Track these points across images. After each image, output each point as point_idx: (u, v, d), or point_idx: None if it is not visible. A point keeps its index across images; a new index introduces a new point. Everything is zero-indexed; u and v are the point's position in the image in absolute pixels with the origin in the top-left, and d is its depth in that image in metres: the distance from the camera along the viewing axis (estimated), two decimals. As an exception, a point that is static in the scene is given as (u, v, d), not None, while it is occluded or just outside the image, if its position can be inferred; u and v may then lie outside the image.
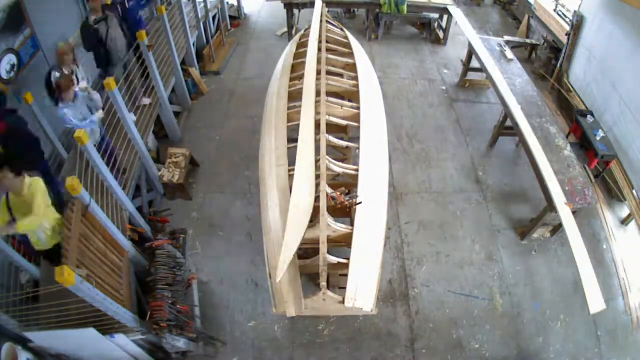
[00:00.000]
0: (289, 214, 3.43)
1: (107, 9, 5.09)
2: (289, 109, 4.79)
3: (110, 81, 4.15)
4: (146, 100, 5.78)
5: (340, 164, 4.14)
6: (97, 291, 2.97)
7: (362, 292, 3.24)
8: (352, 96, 5.20)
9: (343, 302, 3.23)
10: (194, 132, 6.76)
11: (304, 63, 5.41)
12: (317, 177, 3.80)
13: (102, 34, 5.02)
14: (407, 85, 7.83)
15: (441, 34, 9.23)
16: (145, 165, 5.28)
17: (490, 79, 6.46)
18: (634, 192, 5.29)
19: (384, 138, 4.68)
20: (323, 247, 3.30)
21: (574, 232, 4.14)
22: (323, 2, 7.10)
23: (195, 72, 7.52)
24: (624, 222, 5.48)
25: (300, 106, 4.68)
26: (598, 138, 5.63)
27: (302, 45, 6.07)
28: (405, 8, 8.63)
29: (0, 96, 4.15)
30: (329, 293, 3.25)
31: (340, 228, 3.60)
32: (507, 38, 8.07)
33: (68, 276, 2.64)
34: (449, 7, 8.37)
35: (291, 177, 3.97)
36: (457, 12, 8.06)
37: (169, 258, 4.14)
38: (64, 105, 4.12)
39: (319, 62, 5.32)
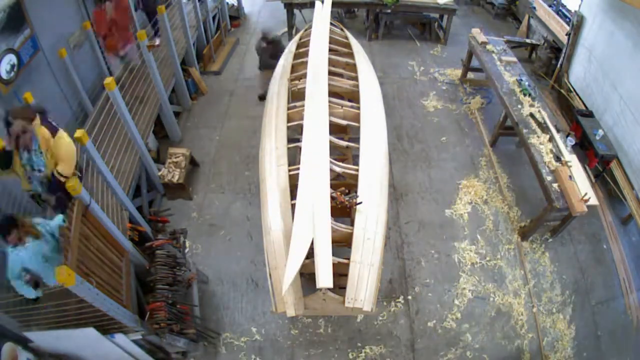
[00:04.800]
0: (292, 232, 3.38)
1: None
2: (289, 109, 4.79)
3: (110, 81, 4.14)
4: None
5: (340, 163, 4.15)
6: (97, 291, 2.97)
7: (361, 292, 3.24)
8: (352, 96, 5.20)
9: (343, 302, 3.24)
10: (194, 132, 6.77)
11: (304, 63, 5.41)
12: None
13: None
14: (407, 85, 7.83)
15: (441, 34, 9.24)
16: (145, 165, 5.28)
17: (490, 79, 6.46)
18: (634, 192, 5.28)
19: (384, 138, 4.68)
20: (323, 247, 3.29)
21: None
22: (323, 2, 7.10)
23: (195, 72, 7.52)
24: (624, 222, 5.48)
25: (300, 106, 4.69)
26: (598, 138, 5.64)
27: (302, 45, 6.07)
28: None
29: None
30: (329, 293, 3.26)
31: (340, 228, 3.61)
32: (507, 38, 8.08)
33: (68, 276, 2.64)
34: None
35: (291, 177, 3.97)
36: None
37: (169, 258, 4.14)
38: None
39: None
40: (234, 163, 6.22)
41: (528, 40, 8.71)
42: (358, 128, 4.56)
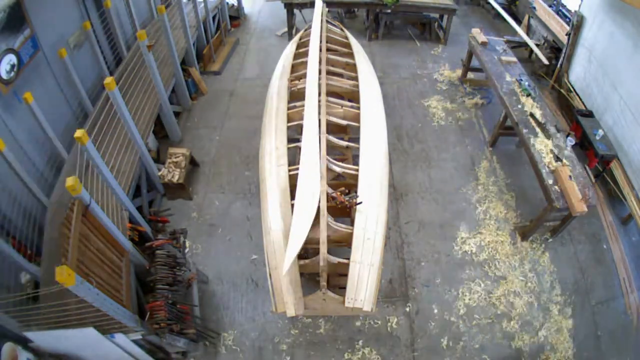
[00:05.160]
0: (294, 209, 3.44)
1: None
2: (289, 109, 4.80)
3: (110, 81, 4.14)
4: None
5: (340, 163, 4.15)
6: (97, 291, 2.97)
7: (361, 292, 3.24)
8: (352, 96, 5.20)
9: (343, 302, 3.24)
10: (194, 132, 6.76)
11: (304, 63, 5.41)
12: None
13: None
14: (407, 85, 7.83)
15: (441, 34, 9.24)
16: (145, 165, 5.28)
17: (490, 79, 6.46)
18: (634, 192, 5.28)
19: (384, 138, 4.68)
20: (323, 247, 3.30)
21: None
22: (323, 2, 7.11)
23: (195, 72, 7.52)
24: (624, 222, 5.48)
25: (300, 106, 4.69)
26: (598, 138, 5.64)
27: (302, 45, 6.08)
28: None
29: None
30: (329, 293, 3.26)
31: (340, 228, 3.61)
32: (507, 38, 8.08)
33: (68, 276, 2.64)
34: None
35: (291, 177, 3.98)
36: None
37: (169, 258, 4.14)
38: None
39: (319, 62, 5.32)
40: (234, 163, 6.22)
41: (529, 41, 8.70)
42: (358, 128, 4.56)
